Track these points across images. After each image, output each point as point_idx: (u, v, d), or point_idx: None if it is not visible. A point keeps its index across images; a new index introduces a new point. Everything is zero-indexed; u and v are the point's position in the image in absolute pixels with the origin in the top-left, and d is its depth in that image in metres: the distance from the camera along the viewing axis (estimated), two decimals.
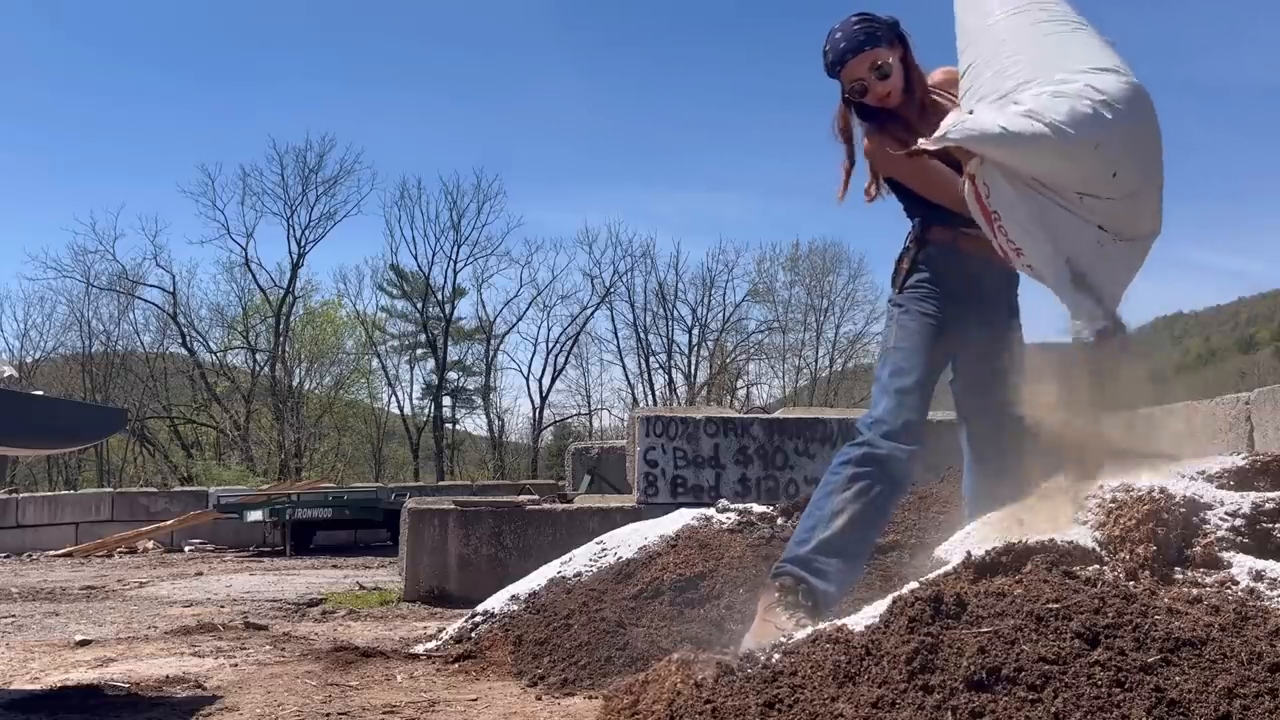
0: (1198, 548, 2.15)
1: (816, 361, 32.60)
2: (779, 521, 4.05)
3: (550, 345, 32.36)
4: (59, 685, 3.31)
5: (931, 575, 2.20)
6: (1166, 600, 1.95)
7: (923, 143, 2.52)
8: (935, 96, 2.92)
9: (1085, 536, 2.20)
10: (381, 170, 55.47)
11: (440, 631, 4.11)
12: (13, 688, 3.30)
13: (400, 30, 49.07)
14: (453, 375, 33.21)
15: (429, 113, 49.80)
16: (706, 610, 3.43)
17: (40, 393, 5.65)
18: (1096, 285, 2.49)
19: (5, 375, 4.90)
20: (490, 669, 3.31)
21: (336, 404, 31.82)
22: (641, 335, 32.31)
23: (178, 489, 17.44)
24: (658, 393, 32.11)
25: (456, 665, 3.40)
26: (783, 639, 2.20)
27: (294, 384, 30.98)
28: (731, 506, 4.31)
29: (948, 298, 2.87)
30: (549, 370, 32.44)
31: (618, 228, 50.81)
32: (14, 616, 5.63)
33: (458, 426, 34.18)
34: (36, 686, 3.32)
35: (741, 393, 32.17)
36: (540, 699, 2.93)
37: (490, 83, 49.62)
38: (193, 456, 29.65)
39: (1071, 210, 2.44)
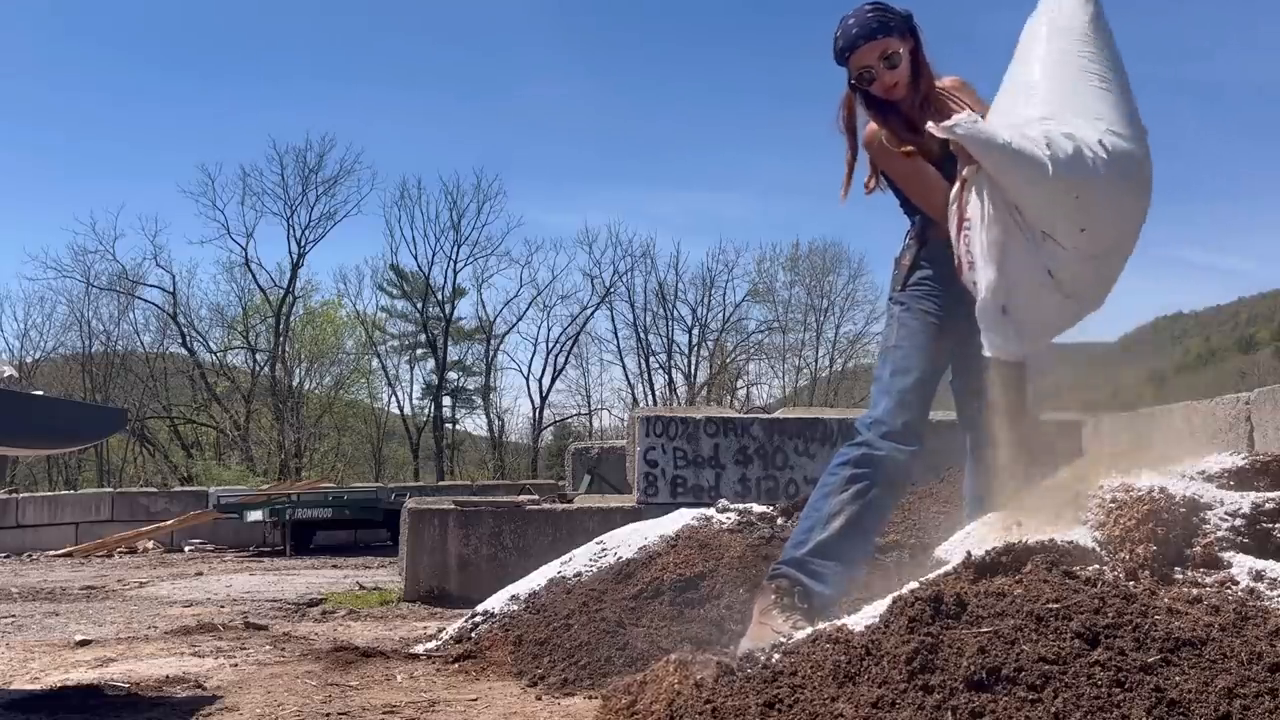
0: (1198, 548, 2.15)
1: (816, 361, 32.67)
2: (779, 521, 4.04)
3: (550, 345, 32.45)
4: (59, 685, 3.31)
5: (931, 575, 2.20)
6: (1166, 600, 1.96)
7: (930, 127, 2.54)
8: (941, 96, 2.90)
9: (1085, 536, 2.20)
10: (381, 170, 55.55)
11: (440, 631, 4.11)
12: (13, 688, 3.30)
13: (400, 30, 49.13)
14: (453, 375, 33.29)
15: (429, 112, 49.87)
16: (706, 610, 3.43)
17: (40, 393, 5.65)
18: (1020, 322, 2.55)
19: (5, 375, 4.90)
20: (490, 669, 3.31)
21: (336, 404, 31.83)
22: (641, 335, 32.37)
23: (178, 489, 17.42)
24: (658, 393, 32.15)
25: (456, 665, 3.40)
26: (781, 640, 2.20)
27: (294, 384, 31.00)
28: (731, 506, 4.31)
29: (950, 296, 2.82)
30: (549, 370, 32.52)
31: (618, 227, 50.98)
32: (14, 616, 5.63)
33: (458, 426, 34.26)
34: (36, 686, 3.32)
35: (741, 393, 32.21)
36: (540, 699, 2.93)
37: (490, 82, 49.71)
38: (193, 456, 29.65)
39: (1032, 246, 2.50)
